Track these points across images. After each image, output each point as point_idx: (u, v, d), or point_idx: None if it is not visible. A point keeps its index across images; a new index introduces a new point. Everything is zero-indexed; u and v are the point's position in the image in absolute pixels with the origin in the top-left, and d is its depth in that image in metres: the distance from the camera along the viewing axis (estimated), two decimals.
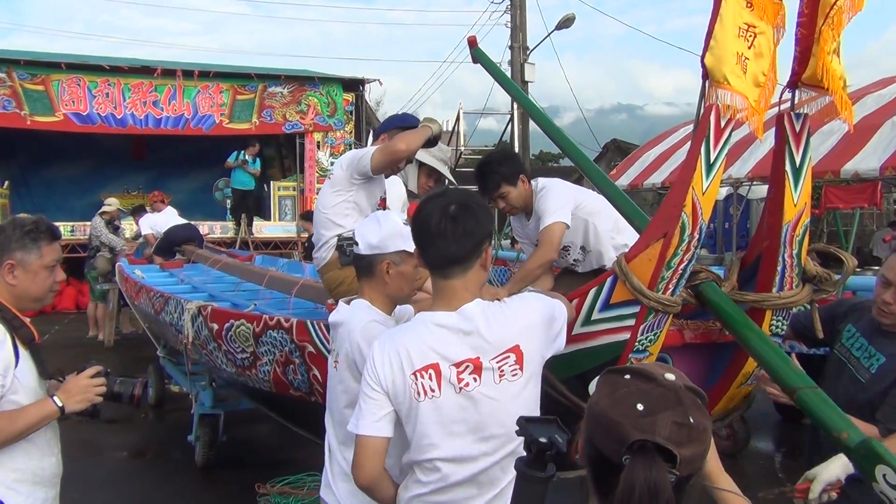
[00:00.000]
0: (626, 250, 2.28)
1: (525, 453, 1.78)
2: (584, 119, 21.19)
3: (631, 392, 1.12)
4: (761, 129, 2.21)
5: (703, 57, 2.10)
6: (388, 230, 2.09)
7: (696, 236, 2.13)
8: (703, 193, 2.11)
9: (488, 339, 1.76)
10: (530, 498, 1.25)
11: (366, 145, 3.85)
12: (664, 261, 2.13)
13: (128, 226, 10.78)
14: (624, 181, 12.54)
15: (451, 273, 1.81)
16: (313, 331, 3.14)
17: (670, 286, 2.17)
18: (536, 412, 1.84)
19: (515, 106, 13.71)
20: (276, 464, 4.75)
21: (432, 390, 1.75)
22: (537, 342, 1.83)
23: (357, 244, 2.13)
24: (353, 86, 15.10)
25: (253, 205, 13.45)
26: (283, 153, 16.11)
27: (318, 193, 3.53)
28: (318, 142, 14.55)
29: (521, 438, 1.78)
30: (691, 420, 1.10)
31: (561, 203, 3.16)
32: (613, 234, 3.30)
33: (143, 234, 9.13)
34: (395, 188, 3.46)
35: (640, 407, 1.10)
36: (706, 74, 2.10)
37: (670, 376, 1.15)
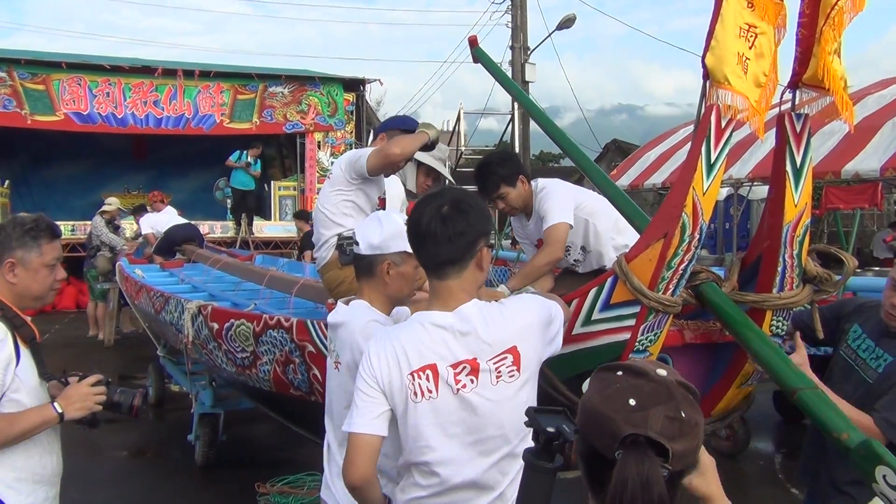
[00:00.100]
0: (627, 251, 2.28)
1: (519, 455, 1.79)
2: (585, 119, 21.19)
3: (623, 388, 1.13)
4: (762, 129, 2.21)
5: (703, 57, 2.10)
6: (389, 230, 2.08)
7: (697, 236, 2.13)
8: (704, 194, 2.11)
9: (486, 340, 1.75)
10: (538, 488, 1.26)
11: (366, 145, 3.85)
12: (664, 261, 2.13)
13: (128, 225, 10.79)
14: (624, 181, 12.54)
15: (446, 274, 1.79)
16: (313, 330, 3.14)
17: (671, 286, 2.17)
18: None
19: (516, 106, 13.72)
20: (276, 463, 4.75)
21: (429, 391, 1.74)
22: (535, 343, 1.81)
23: (357, 244, 2.12)
24: (354, 86, 15.10)
25: (253, 204, 13.45)
26: (283, 153, 16.12)
27: (318, 193, 3.53)
28: (319, 142, 14.55)
29: (519, 440, 1.78)
30: (683, 415, 1.10)
31: (563, 203, 3.16)
32: (614, 235, 3.30)
33: (143, 233, 9.13)
34: (394, 187, 3.46)
35: (632, 402, 1.10)
36: (707, 75, 2.10)
37: (662, 372, 1.15)
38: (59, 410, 2.11)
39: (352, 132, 14.86)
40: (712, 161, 2.10)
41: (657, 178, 12.00)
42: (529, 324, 1.81)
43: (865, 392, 2.17)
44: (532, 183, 3.32)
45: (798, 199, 2.27)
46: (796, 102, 2.28)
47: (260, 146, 13.18)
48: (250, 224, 13.18)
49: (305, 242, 9.83)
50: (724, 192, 11.83)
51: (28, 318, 2.19)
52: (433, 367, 1.74)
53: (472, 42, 3.45)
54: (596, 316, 2.27)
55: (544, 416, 1.25)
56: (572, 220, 3.15)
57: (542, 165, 30.58)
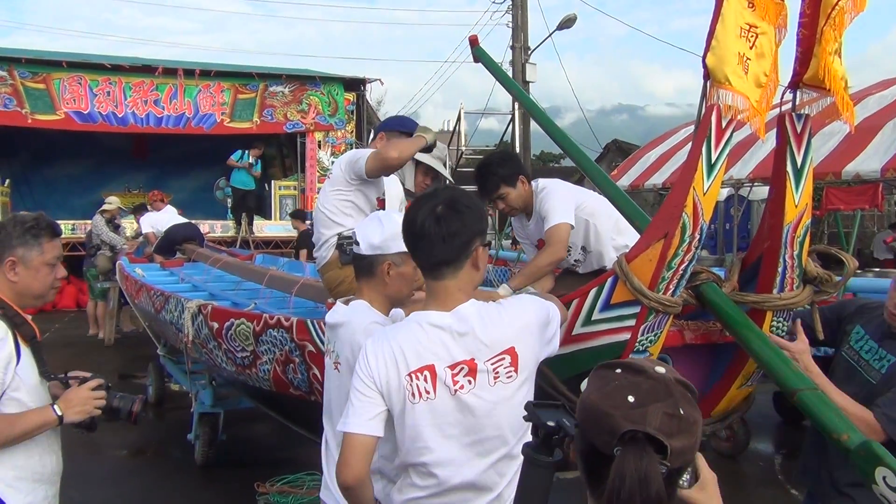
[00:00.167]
0: (627, 251, 2.28)
1: (517, 456, 1.78)
2: (585, 119, 21.19)
3: (622, 385, 1.13)
4: (763, 129, 2.21)
5: (704, 57, 2.10)
6: (390, 231, 2.08)
7: (697, 237, 2.13)
8: (705, 194, 2.10)
9: (483, 341, 1.74)
10: (537, 483, 1.26)
11: (367, 145, 3.85)
12: (665, 261, 2.13)
13: (128, 224, 10.79)
14: (625, 182, 12.54)
15: (442, 274, 1.78)
16: (313, 330, 3.14)
17: (671, 287, 2.17)
18: None
19: (517, 106, 13.73)
20: (275, 463, 4.75)
21: (427, 392, 1.73)
22: (532, 344, 1.81)
23: (358, 244, 2.12)
24: (355, 85, 15.11)
25: (253, 204, 13.45)
26: (284, 152, 16.12)
27: (318, 193, 3.54)
28: (320, 141, 14.55)
29: (517, 440, 1.78)
30: (681, 412, 1.10)
31: (564, 204, 3.16)
32: (614, 235, 3.29)
33: (143, 232, 9.12)
34: (393, 187, 3.46)
35: (630, 399, 1.10)
36: (707, 75, 2.10)
37: (660, 369, 1.16)
38: (59, 413, 2.11)
39: (352, 132, 14.86)
40: (713, 161, 2.10)
41: (657, 179, 12.00)
42: (527, 324, 1.81)
43: (868, 393, 2.17)
44: (532, 183, 3.32)
45: (798, 199, 2.27)
46: (797, 103, 2.28)
47: (262, 147, 13.18)
48: (250, 223, 13.19)
49: (301, 241, 9.93)
50: (725, 192, 11.83)
51: (28, 317, 2.19)
52: (431, 368, 1.73)
53: (473, 42, 3.45)
54: (596, 316, 2.27)
55: (544, 410, 1.25)
56: (573, 220, 3.15)
57: (543, 165, 30.57)
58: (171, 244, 8.09)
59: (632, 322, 2.21)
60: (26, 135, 13.56)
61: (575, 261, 3.43)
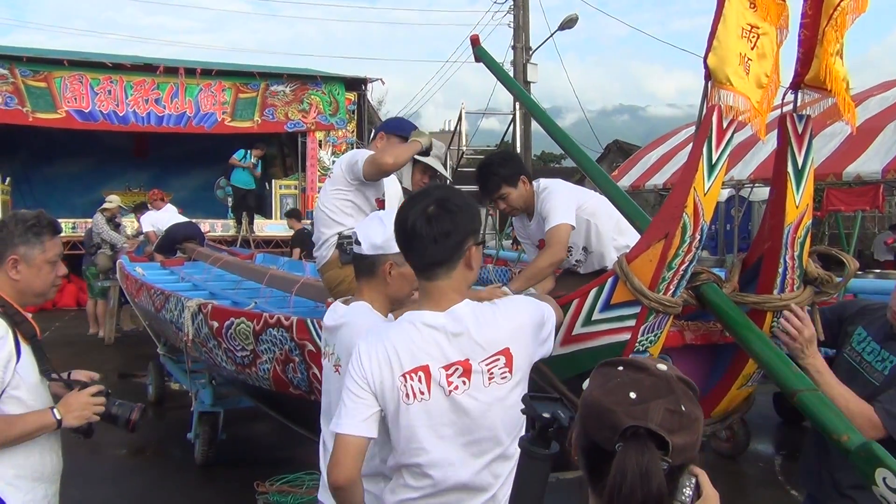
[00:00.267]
0: (628, 251, 2.27)
1: (511, 457, 1.78)
2: (586, 120, 21.19)
3: (623, 382, 1.13)
4: (764, 130, 2.21)
5: (705, 57, 2.10)
6: (392, 230, 2.07)
7: (698, 237, 2.13)
8: (705, 194, 2.10)
9: (478, 341, 1.73)
10: (533, 476, 1.26)
11: (367, 144, 3.87)
12: (665, 261, 2.13)
13: (129, 223, 10.79)
14: (625, 182, 12.53)
15: (436, 275, 1.77)
16: (313, 329, 3.14)
17: (671, 287, 2.17)
18: (523, 417, 1.82)
19: (517, 106, 13.73)
20: (275, 462, 4.75)
21: (421, 393, 1.71)
22: (527, 345, 1.79)
23: (359, 244, 2.10)
24: (356, 85, 15.12)
25: (254, 203, 13.45)
26: (284, 152, 16.13)
27: (319, 192, 3.55)
28: (320, 140, 14.56)
29: (511, 440, 1.77)
30: (683, 408, 1.11)
31: (565, 204, 3.15)
32: (615, 235, 3.29)
33: (144, 231, 9.13)
34: (393, 186, 3.47)
35: (632, 395, 1.10)
36: (709, 75, 2.10)
37: (662, 367, 1.16)
38: (58, 417, 2.12)
39: (353, 131, 14.87)
40: (713, 162, 2.10)
41: (658, 179, 11.99)
42: (522, 325, 1.79)
43: (870, 395, 2.16)
44: (534, 183, 3.31)
45: (799, 200, 2.27)
46: (798, 104, 2.28)
47: (264, 148, 13.18)
48: (251, 223, 13.19)
49: (295, 240, 10.02)
50: (726, 193, 11.83)
51: (29, 315, 2.19)
52: (425, 369, 1.72)
53: (474, 41, 3.45)
54: (596, 316, 2.27)
55: (540, 402, 1.25)
56: (574, 220, 3.15)
57: (544, 166, 30.55)
58: (172, 243, 8.09)
59: (632, 322, 2.21)
60: (27, 133, 13.57)
61: (576, 261, 3.42)
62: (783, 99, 2.30)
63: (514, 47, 15.90)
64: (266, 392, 3.83)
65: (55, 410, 2.12)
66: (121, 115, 13.30)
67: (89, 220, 10.38)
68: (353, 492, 1.72)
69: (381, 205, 3.29)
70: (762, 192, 11.25)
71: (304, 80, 14.55)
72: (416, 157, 3.38)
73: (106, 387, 2.27)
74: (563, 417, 1.21)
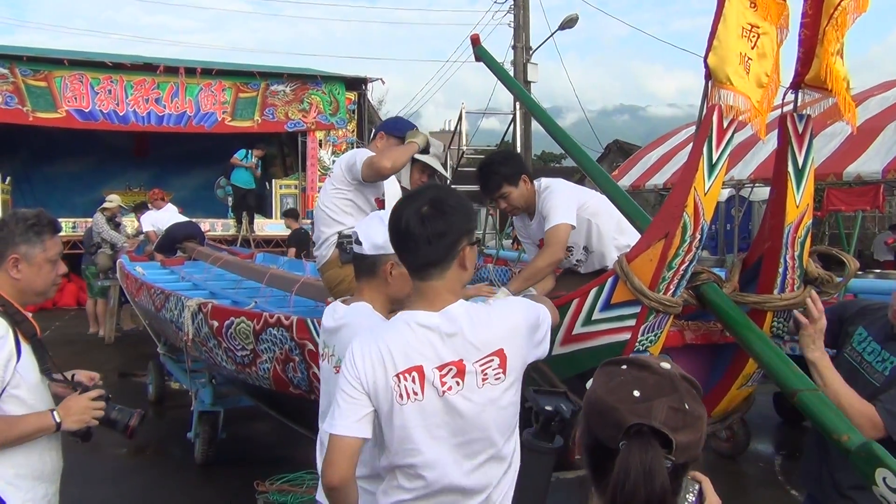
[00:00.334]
0: (628, 251, 2.27)
1: (505, 458, 1.77)
2: (587, 119, 21.16)
3: (627, 380, 1.14)
4: (764, 130, 2.20)
5: (706, 57, 2.10)
6: None
7: (698, 237, 2.13)
8: (705, 194, 2.10)
9: (472, 342, 1.72)
10: (537, 470, 1.26)
11: (367, 144, 3.87)
12: (665, 261, 2.13)
13: (129, 222, 10.80)
14: (626, 182, 12.51)
15: (429, 275, 1.76)
16: (313, 329, 3.14)
17: (671, 287, 2.17)
18: (517, 418, 1.81)
19: (518, 106, 13.73)
20: (275, 461, 4.75)
21: (415, 393, 1.71)
22: (521, 346, 1.78)
23: (360, 243, 2.09)
24: (356, 84, 15.11)
25: (254, 203, 13.45)
26: (285, 151, 16.13)
27: (319, 192, 3.56)
28: (321, 140, 14.56)
29: (504, 441, 1.77)
30: (687, 406, 1.11)
31: (566, 204, 3.15)
32: (616, 235, 3.29)
33: (144, 230, 9.13)
34: (392, 186, 3.47)
35: (636, 393, 1.11)
36: (709, 75, 2.10)
37: (666, 365, 1.17)
38: (57, 420, 2.12)
39: (353, 131, 14.87)
40: (714, 161, 2.10)
41: (659, 179, 11.98)
42: (516, 326, 1.78)
43: (871, 395, 2.16)
44: (535, 182, 3.31)
45: (800, 200, 2.27)
46: (798, 103, 2.27)
47: (265, 148, 13.18)
48: (251, 222, 13.18)
49: (291, 239, 10.24)
50: (726, 193, 11.81)
51: (29, 314, 2.19)
52: (419, 369, 1.71)
53: (475, 41, 3.45)
54: (596, 316, 2.27)
55: (544, 396, 1.26)
56: (575, 220, 3.14)
57: (544, 165, 30.54)
58: (172, 242, 8.09)
59: (632, 322, 2.21)
60: (27, 133, 13.57)
61: (577, 261, 3.42)
62: (783, 99, 2.30)
63: (514, 47, 15.89)
64: (266, 391, 3.83)
65: (55, 413, 2.12)
66: (121, 114, 13.30)
67: (89, 219, 10.38)
68: (347, 493, 1.72)
69: (380, 204, 3.29)
70: (762, 192, 11.25)
71: (305, 79, 14.55)
72: (415, 155, 3.39)
73: (106, 387, 2.27)
74: (566, 410, 1.21)
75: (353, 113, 14.99)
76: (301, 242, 10.03)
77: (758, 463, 5.52)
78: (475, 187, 3.45)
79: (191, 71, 13.66)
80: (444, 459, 1.74)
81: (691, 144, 2.16)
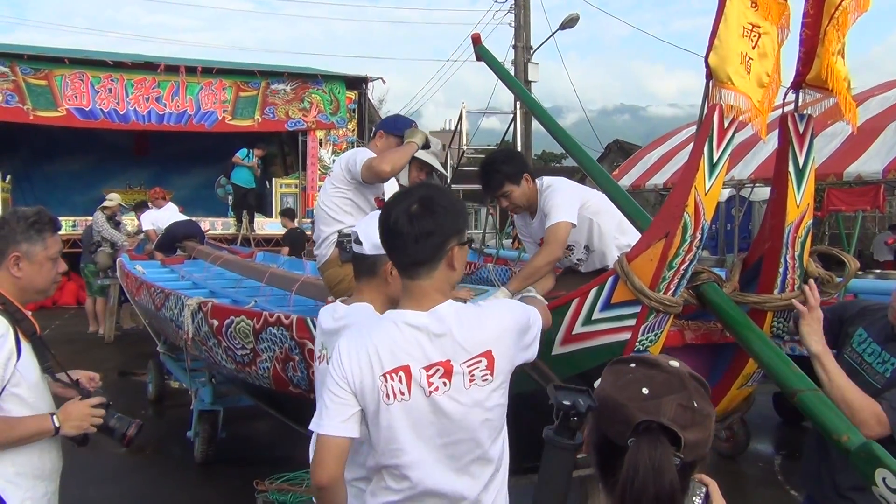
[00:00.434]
0: (629, 250, 2.27)
1: (492, 460, 1.77)
2: (587, 119, 21.17)
3: (636, 378, 1.14)
4: (765, 130, 2.20)
5: (706, 56, 2.09)
6: None
7: (698, 237, 2.13)
8: (706, 194, 2.10)
9: (460, 343, 1.71)
10: (558, 466, 1.26)
11: (367, 143, 3.88)
12: (666, 261, 2.13)
13: (129, 221, 10.80)
14: (626, 182, 12.52)
15: (417, 274, 1.75)
16: (313, 328, 3.13)
17: (671, 286, 2.17)
18: (504, 420, 1.81)
19: (518, 105, 13.72)
20: (274, 460, 4.74)
21: (402, 393, 1.70)
22: (510, 348, 1.77)
23: (360, 243, 2.08)
24: (357, 84, 15.11)
25: (254, 202, 13.45)
26: (285, 150, 16.14)
27: (319, 191, 3.56)
28: (321, 139, 14.56)
29: (491, 443, 1.77)
30: (695, 405, 1.11)
31: (567, 202, 3.15)
32: (617, 235, 3.28)
33: (144, 229, 9.14)
34: (392, 185, 3.49)
35: (645, 391, 1.11)
36: (710, 74, 2.10)
37: (674, 363, 1.17)
38: (57, 424, 2.13)
39: (354, 130, 14.87)
40: (714, 161, 2.10)
41: (659, 179, 11.98)
42: (505, 328, 1.77)
43: (872, 396, 2.16)
44: (537, 181, 3.31)
45: (800, 200, 2.27)
46: (799, 103, 2.27)
47: (265, 148, 13.17)
48: (251, 221, 13.19)
49: (286, 239, 10.32)
50: (726, 193, 11.81)
51: (28, 313, 2.19)
52: (406, 369, 1.70)
53: (476, 40, 3.44)
54: (596, 315, 2.27)
55: (564, 391, 1.26)
56: (575, 219, 3.14)
57: (545, 165, 30.54)
58: (172, 241, 8.09)
59: (632, 322, 2.21)
60: (28, 131, 13.57)
61: (578, 259, 3.42)
62: (784, 98, 2.29)
63: (515, 46, 15.90)
64: (266, 390, 3.83)
65: (55, 417, 2.13)
66: (121, 113, 13.30)
67: (89, 218, 10.38)
68: (336, 492, 1.71)
69: (380, 204, 3.29)
70: (763, 192, 11.24)
71: (305, 78, 14.55)
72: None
73: (106, 386, 2.28)
74: (581, 404, 1.21)
75: (354, 112, 14.99)
76: (295, 242, 10.09)
77: (757, 463, 5.52)
78: (476, 186, 3.45)
79: (191, 70, 13.67)
80: (429, 459, 1.73)
81: (692, 144, 2.16)
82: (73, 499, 3.24)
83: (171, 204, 9.58)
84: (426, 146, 3.35)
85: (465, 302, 1.87)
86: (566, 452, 1.25)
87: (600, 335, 2.27)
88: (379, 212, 2.48)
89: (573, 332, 2.29)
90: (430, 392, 1.71)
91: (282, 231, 13.54)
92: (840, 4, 2.09)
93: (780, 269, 2.30)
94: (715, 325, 2.50)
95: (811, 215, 2.31)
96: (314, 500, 1.77)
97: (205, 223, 11.37)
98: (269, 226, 13.85)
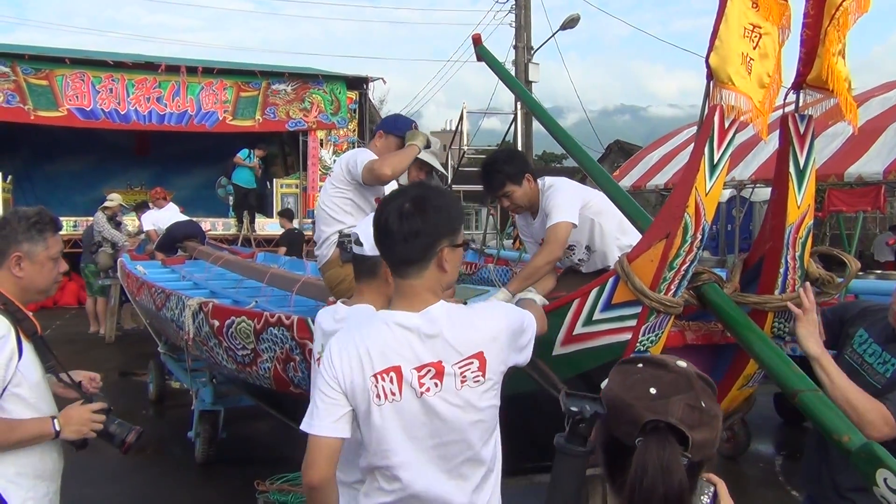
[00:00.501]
0: (629, 251, 2.27)
1: (484, 462, 1.77)
2: (588, 120, 21.18)
3: (644, 378, 1.14)
4: (765, 130, 2.20)
5: (707, 57, 2.09)
6: None
7: (699, 237, 2.13)
8: (707, 194, 2.10)
9: (452, 344, 1.71)
10: (568, 473, 1.26)
11: (367, 144, 3.89)
12: (666, 261, 2.13)
13: (130, 221, 10.81)
14: (627, 182, 12.52)
15: (407, 273, 1.75)
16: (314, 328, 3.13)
17: (672, 287, 2.17)
18: (496, 421, 1.81)
19: (519, 106, 13.73)
20: (275, 461, 4.74)
21: (392, 394, 1.70)
22: (501, 350, 1.76)
23: (361, 244, 2.08)
24: (357, 84, 15.11)
25: (255, 202, 13.46)
26: (286, 150, 16.14)
27: (320, 191, 3.57)
28: (322, 139, 14.56)
29: (482, 444, 1.76)
30: (703, 405, 1.11)
31: (569, 202, 3.15)
32: (619, 235, 3.28)
33: (145, 230, 9.15)
34: (392, 184, 3.48)
35: (652, 391, 1.11)
36: (710, 75, 2.10)
37: (681, 363, 1.17)
38: (57, 429, 2.13)
39: (354, 130, 14.87)
40: (715, 162, 2.10)
41: (660, 180, 11.98)
42: (498, 330, 1.77)
43: (873, 397, 2.15)
44: (539, 181, 3.30)
45: (801, 200, 2.27)
46: (800, 104, 2.27)
47: (265, 148, 13.17)
48: (252, 221, 13.19)
49: (283, 239, 10.48)
50: (727, 193, 11.81)
51: (29, 313, 2.19)
52: (397, 370, 1.70)
53: (476, 40, 3.44)
54: (597, 316, 2.27)
55: (573, 398, 1.26)
56: (576, 219, 3.14)
57: (545, 165, 30.52)
58: (173, 241, 8.10)
59: (633, 322, 2.21)
60: (29, 131, 13.58)
61: (579, 260, 3.42)
62: (785, 99, 2.29)
63: (515, 47, 15.91)
64: (267, 391, 3.83)
65: (56, 421, 2.14)
66: (122, 113, 13.30)
67: (90, 218, 10.39)
68: (328, 493, 1.71)
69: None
70: (764, 193, 11.24)
71: (306, 78, 14.55)
72: None
73: (106, 386, 2.28)
74: (589, 409, 1.21)
75: (355, 112, 14.99)
76: (292, 242, 10.18)
77: (758, 463, 5.52)
78: (477, 187, 3.46)
79: (192, 70, 13.67)
80: (420, 461, 1.73)
81: (692, 145, 2.16)
82: (74, 499, 3.23)
83: (171, 204, 9.59)
84: (426, 146, 3.36)
85: (469, 305, 1.86)
86: (576, 460, 1.25)
87: (601, 336, 2.27)
88: None
89: (574, 333, 2.29)
90: (422, 393, 1.70)
91: (281, 231, 13.59)
92: (841, 5, 2.09)
93: (781, 270, 2.30)
94: (716, 326, 2.50)
95: (812, 216, 2.31)
96: (306, 499, 1.77)
97: (206, 223, 11.38)
98: (269, 226, 13.84)
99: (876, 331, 2.26)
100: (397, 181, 3.57)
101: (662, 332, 2.26)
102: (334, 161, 12.50)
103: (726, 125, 2.09)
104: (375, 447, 1.73)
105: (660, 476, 1.04)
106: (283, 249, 9.75)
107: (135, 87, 13.36)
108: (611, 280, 2.23)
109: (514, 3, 16.17)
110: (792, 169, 2.25)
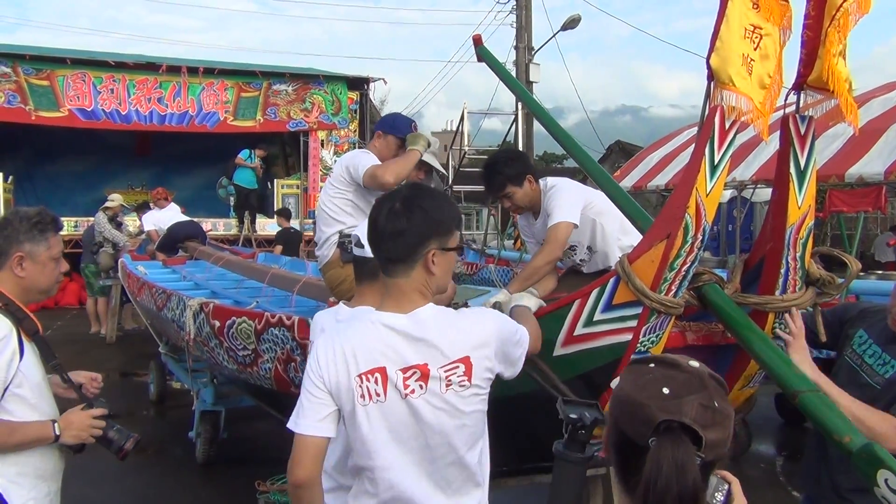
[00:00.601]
0: (630, 251, 2.27)
1: (468, 465, 1.77)
2: (589, 120, 21.17)
3: (656, 378, 1.15)
4: (766, 131, 2.20)
5: (708, 58, 2.09)
6: None
7: (700, 238, 2.13)
8: (707, 195, 2.10)
9: (438, 347, 1.70)
10: (568, 480, 1.26)
11: (367, 144, 3.89)
12: (667, 262, 2.13)
13: (131, 222, 10.82)
14: (627, 183, 12.52)
15: (394, 272, 1.75)
16: None
17: (673, 287, 2.17)
18: (482, 426, 1.81)
19: (520, 106, 13.73)
20: (276, 461, 4.71)
21: (377, 394, 1.70)
22: (489, 357, 1.75)
23: (361, 246, 2.08)
24: (358, 84, 15.11)
25: (256, 202, 13.46)
26: (286, 151, 16.14)
27: (321, 191, 3.57)
28: (323, 140, 14.56)
29: (467, 449, 1.76)
30: (716, 404, 1.12)
31: (571, 202, 3.14)
32: (620, 235, 3.28)
33: (146, 230, 9.15)
34: None
35: (665, 390, 1.11)
36: (711, 75, 2.10)
37: (694, 363, 1.19)
38: (57, 433, 2.14)
39: (355, 131, 14.87)
40: (716, 162, 2.10)
41: (660, 180, 11.98)
42: (486, 336, 1.76)
43: (872, 398, 2.15)
44: (541, 182, 3.30)
45: (801, 201, 2.27)
46: (801, 105, 2.27)
47: (266, 148, 13.18)
48: (253, 222, 13.20)
49: (279, 238, 10.50)
50: (728, 194, 11.81)
51: (31, 313, 2.19)
52: (382, 371, 1.70)
53: (477, 41, 3.44)
54: (598, 317, 2.27)
55: (571, 405, 1.26)
56: (577, 219, 3.13)
57: (546, 166, 30.52)
58: (174, 242, 8.10)
59: (633, 323, 2.21)
60: (30, 131, 13.58)
61: (580, 260, 3.41)
62: (786, 100, 2.29)
63: (516, 47, 15.89)
64: (267, 391, 3.83)
65: (56, 425, 2.15)
66: (123, 113, 13.31)
67: (91, 218, 10.39)
68: (313, 491, 1.71)
69: None
70: (764, 193, 11.23)
71: (307, 79, 14.55)
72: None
73: (107, 387, 2.28)
74: (588, 416, 1.21)
75: (356, 113, 14.99)
76: (288, 241, 10.22)
77: (759, 464, 5.52)
78: (478, 187, 3.46)
79: (193, 70, 13.67)
80: (403, 462, 1.73)
81: (693, 145, 2.16)
82: (75, 499, 3.24)
83: (173, 204, 9.60)
84: (428, 148, 3.36)
85: (459, 309, 1.86)
86: (576, 466, 1.25)
87: (602, 336, 2.27)
88: None
89: (574, 333, 2.29)
90: (406, 395, 1.70)
91: None
92: (841, 6, 2.09)
93: (782, 271, 2.30)
94: (716, 327, 2.50)
95: (813, 217, 2.31)
96: (291, 498, 1.78)
97: (206, 224, 11.39)
98: (270, 226, 13.82)
99: (876, 332, 2.26)
100: None
101: (663, 333, 2.26)
102: (335, 161, 12.52)
103: (727, 126, 2.09)
104: (360, 447, 1.73)
105: (674, 476, 1.05)
106: (279, 248, 9.79)
107: (136, 87, 13.36)
108: (611, 281, 2.23)
109: (514, 3, 16.17)
110: (793, 170, 2.25)
